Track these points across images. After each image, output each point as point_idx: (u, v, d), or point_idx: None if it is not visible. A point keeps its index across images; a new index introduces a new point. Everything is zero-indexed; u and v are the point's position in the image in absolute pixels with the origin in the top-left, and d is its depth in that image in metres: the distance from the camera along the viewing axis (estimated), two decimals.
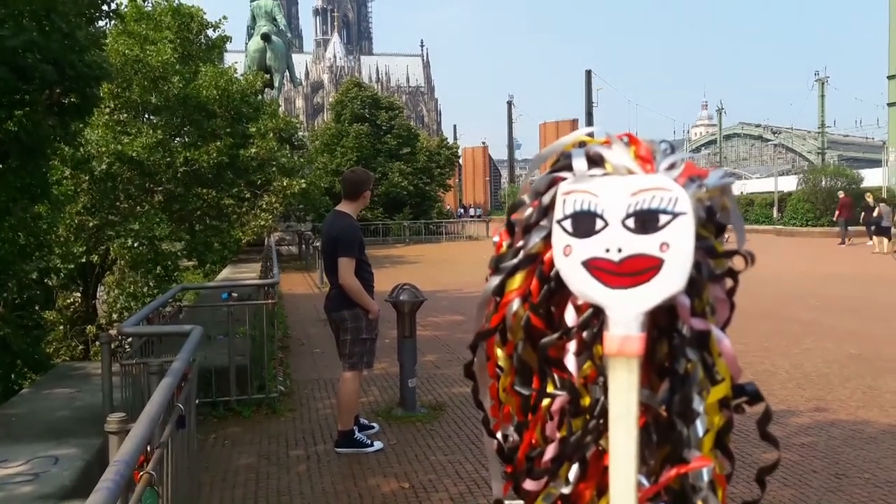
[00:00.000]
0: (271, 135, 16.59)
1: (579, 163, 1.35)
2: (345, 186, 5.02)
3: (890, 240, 20.44)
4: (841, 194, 25.25)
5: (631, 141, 1.38)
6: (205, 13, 17.59)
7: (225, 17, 18.39)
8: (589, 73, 69.24)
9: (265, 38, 25.80)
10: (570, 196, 1.32)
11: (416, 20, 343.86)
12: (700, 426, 1.23)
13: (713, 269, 1.25)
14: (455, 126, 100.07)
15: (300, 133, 27.41)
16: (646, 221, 1.22)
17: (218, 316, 6.67)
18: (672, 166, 1.28)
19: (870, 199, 23.32)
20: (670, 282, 1.19)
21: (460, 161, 65.55)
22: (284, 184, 16.68)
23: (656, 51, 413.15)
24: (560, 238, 1.32)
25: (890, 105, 31.44)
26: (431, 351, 8.12)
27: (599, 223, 1.27)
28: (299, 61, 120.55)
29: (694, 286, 1.20)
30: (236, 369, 5.84)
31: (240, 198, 16.25)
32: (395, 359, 5.88)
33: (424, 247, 28.55)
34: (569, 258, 1.30)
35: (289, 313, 11.21)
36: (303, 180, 17.60)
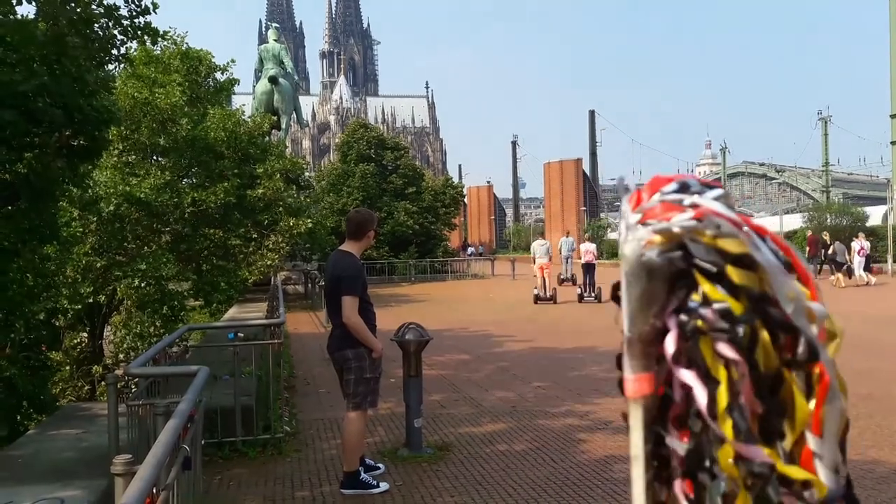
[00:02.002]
0: (278, 175, 16.77)
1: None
2: (349, 226, 5.07)
3: (846, 275, 21.94)
4: (809, 232, 26.35)
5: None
6: (213, 57, 17.94)
7: (233, 61, 18.74)
8: (592, 113, 70.14)
9: (272, 80, 26.23)
10: None
11: (421, 62, 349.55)
12: (721, 484, 1.11)
13: (710, 321, 1.09)
14: (460, 165, 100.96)
15: (307, 173, 27.66)
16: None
17: (224, 356, 6.67)
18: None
19: (826, 236, 24.90)
20: (622, 326, 1.13)
21: (465, 200, 65.90)
22: (291, 223, 16.79)
23: (659, 90, 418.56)
24: None
25: (893, 143, 31.64)
26: (437, 390, 8.08)
27: None
28: (306, 103, 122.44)
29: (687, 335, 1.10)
30: (242, 410, 5.81)
31: (247, 238, 16.35)
32: (401, 398, 5.85)
33: (430, 285, 28.54)
34: None
35: (294, 352, 11.19)
36: (309, 220, 17.72)
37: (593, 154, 68.50)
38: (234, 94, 21.53)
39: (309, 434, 6.50)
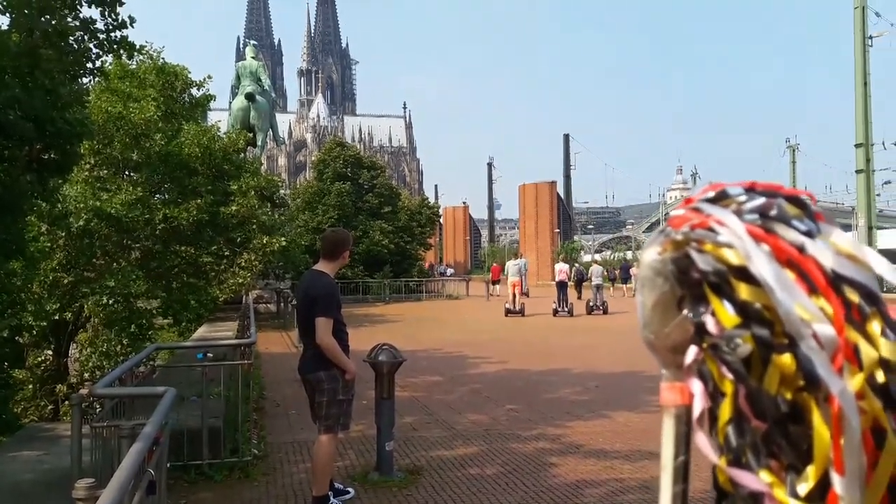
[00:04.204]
0: (252, 193, 16.65)
1: None
2: (325, 245, 5.03)
3: None
4: None
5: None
6: (189, 72, 17.85)
7: (209, 77, 18.67)
8: (567, 136, 70.89)
9: (249, 97, 26.16)
10: None
11: (399, 83, 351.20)
12: None
13: (709, 334, 1.04)
14: (436, 186, 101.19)
15: (282, 191, 27.52)
16: None
17: (192, 376, 6.55)
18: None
19: None
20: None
21: (441, 220, 66.01)
22: (264, 241, 16.64)
23: (632, 116, 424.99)
24: None
25: (858, 172, 32.31)
26: (410, 413, 8.01)
27: None
28: (283, 120, 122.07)
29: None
30: (209, 431, 5.70)
31: (219, 255, 16.17)
32: (373, 421, 5.78)
33: (404, 305, 28.44)
34: None
35: (265, 373, 11.04)
36: (283, 238, 17.59)
37: (567, 177, 69.11)
38: (210, 110, 21.42)
39: (277, 457, 6.39)
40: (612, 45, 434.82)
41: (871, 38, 31.50)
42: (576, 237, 67.47)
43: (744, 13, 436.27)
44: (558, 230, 57.02)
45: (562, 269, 23.40)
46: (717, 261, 1.01)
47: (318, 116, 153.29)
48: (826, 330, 0.93)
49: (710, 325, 0.99)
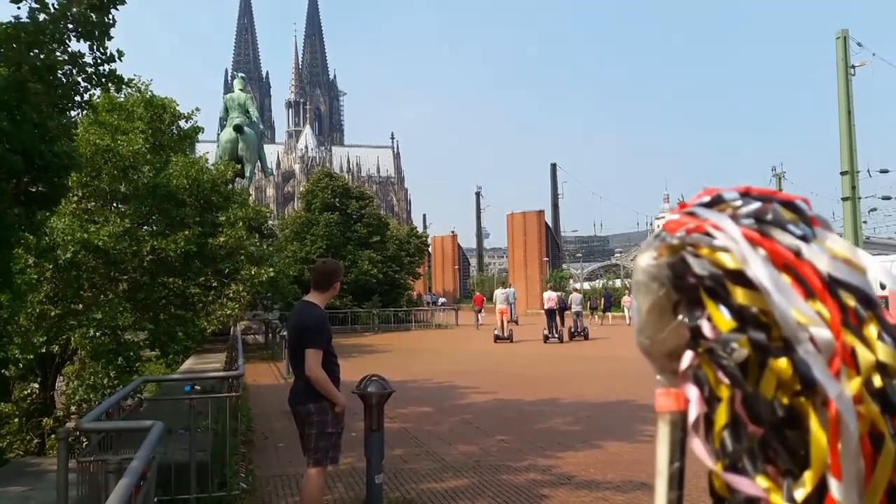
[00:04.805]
0: (241, 224, 16.63)
1: None
2: (315, 276, 5.03)
3: None
4: None
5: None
6: (177, 104, 17.92)
7: (198, 109, 18.73)
8: (554, 166, 71.44)
9: (237, 129, 26.28)
10: None
11: (386, 113, 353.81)
12: None
13: (705, 339, 1.03)
14: (424, 215, 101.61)
15: (270, 222, 27.52)
16: None
17: (180, 409, 6.49)
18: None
19: None
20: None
21: (430, 249, 66.05)
22: (252, 272, 16.59)
23: (619, 144, 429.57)
24: None
25: (844, 199, 32.67)
26: (400, 444, 7.95)
27: None
28: (271, 151, 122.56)
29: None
30: (197, 465, 5.64)
31: (206, 286, 16.09)
32: (362, 453, 5.73)
33: (393, 335, 28.33)
34: None
35: (253, 405, 10.94)
36: (271, 269, 17.54)
37: (555, 206, 69.51)
38: (199, 141, 21.43)
39: (266, 491, 6.32)
40: (598, 75, 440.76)
41: (853, 67, 32.10)
42: (564, 265, 67.63)
43: (729, 42, 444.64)
44: (547, 259, 57.20)
45: (550, 297, 23.96)
46: (713, 265, 1.00)
47: (307, 147, 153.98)
48: (823, 334, 0.93)
49: (706, 329, 0.99)
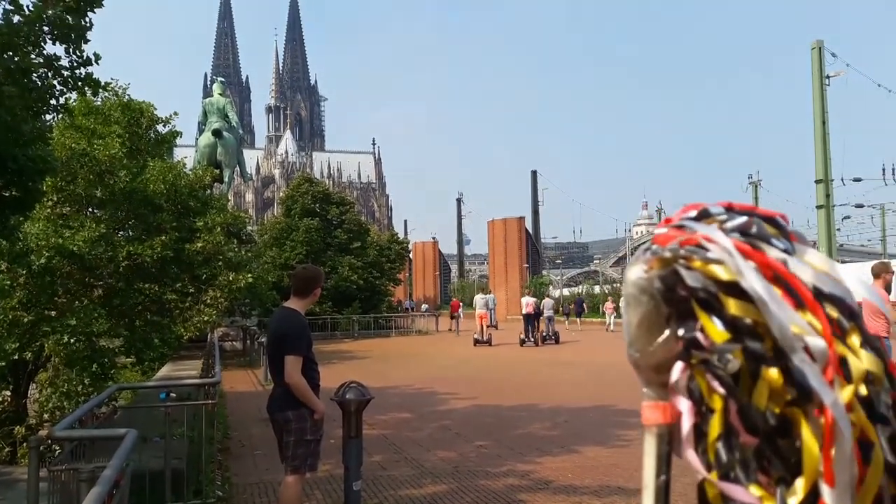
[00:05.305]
0: (219, 229, 16.48)
1: None
2: (296, 282, 5.00)
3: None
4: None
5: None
6: (155, 109, 17.74)
7: (176, 113, 18.55)
8: (535, 173, 71.79)
9: (216, 133, 26.11)
10: None
11: (368, 119, 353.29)
12: None
13: (698, 351, 1.04)
14: (406, 221, 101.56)
15: (249, 227, 27.33)
16: None
17: (155, 416, 6.42)
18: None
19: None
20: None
21: (411, 255, 65.93)
22: (231, 278, 16.44)
23: (599, 152, 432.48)
24: None
25: (818, 207, 33.12)
26: (378, 451, 7.91)
27: None
28: (250, 156, 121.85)
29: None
30: (172, 473, 5.57)
31: (183, 293, 15.92)
32: (340, 460, 5.70)
33: (374, 341, 28.25)
34: None
35: (230, 412, 10.84)
36: (249, 275, 17.40)
37: (536, 212, 69.81)
38: (177, 146, 21.29)
39: (242, 498, 6.26)
40: (580, 84, 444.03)
41: (828, 77, 32.59)
42: (544, 272, 67.85)
43: (704, 51, 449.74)
44: (527, 265, 57.36)
45: (528, 302, 25.03)
46: (706, 277, 1.01)
47: (287, 152, 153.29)
48: (818, 343, 0.95)
49: (702, 340, 1.00)
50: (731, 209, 1.10)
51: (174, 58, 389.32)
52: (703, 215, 1.10)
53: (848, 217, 50.71)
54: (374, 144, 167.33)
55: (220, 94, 28.12)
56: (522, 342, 24.13)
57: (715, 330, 0.98)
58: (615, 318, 33.78)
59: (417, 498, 6.20)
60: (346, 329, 31.46)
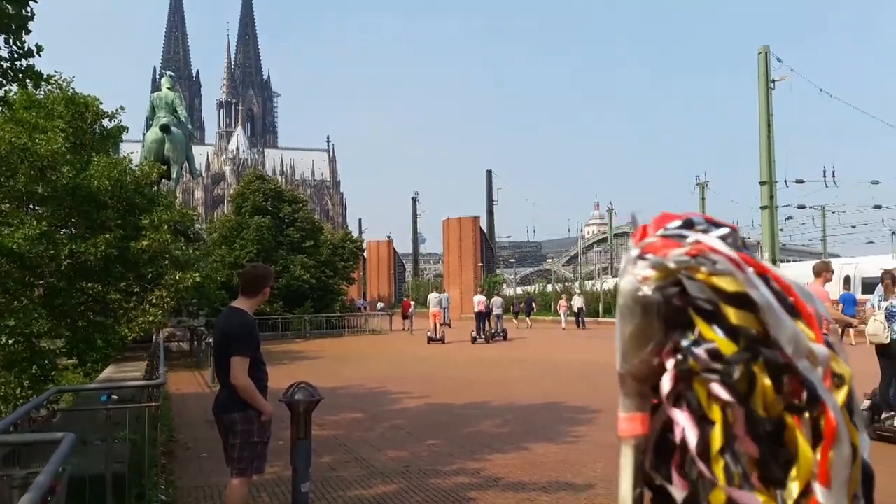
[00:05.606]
0: (166, 227, 16.11)
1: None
2: (244, 281, 4.91)
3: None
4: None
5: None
6: (101, 103, 17.28)
7: (122, 108, 18.12)
8: (489, 172, 72.14)
9: (164, 128, 25.53)
10: None
11: (322, 117, 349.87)
12: None
13: (701, 360, 1.04)
14: (360, 220, 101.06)
15: (197, 225, 26.81)
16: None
17: (96, 419, 6.24)
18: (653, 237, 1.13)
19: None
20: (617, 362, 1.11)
21: (365, 254, 65.59)
22: (177, 277, 16.09)
23: (552, 152, 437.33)
24: None
25: (762, 208, 34.04)
26: (328, 452, 7.85)
27: None
28: (200, 153, 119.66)
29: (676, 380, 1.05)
30: (113, 478, 5.41)
31: (128, 292, 15.52)
32: (289, 462, 5.63)
33: (326, 341, 28.02)
34: None
35: (176, 415, 10.62)
36: (197, 274, 17.05)
37: (490, 212, 70.16)
38: (123, 141, 20.72)
39: (187, 502, 6.14)
40: (535, 84, 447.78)
41: (773, 81, 33.50)
42: (498, 270, 68.29)
43: (655, 54, 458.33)
44: (481, 264, 57.67)
45: (480, 300, 26.09)
46: (709, 288, 1.02)
47: (238, 149, 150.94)
48: (822, 350, 0.99)
49: (700, 352, 1.00)
50: (711, 221, 1.14)
51: (122, 51, 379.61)
52: (689, 225, 1.12)
53: (790, 217, 52.24)
54: (328, 142, 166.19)
55: (168, 89, 27.50)
56: (474, 339, 25.05)
57: (722, 341, 0.99)
58: (567, 316, 34.57)
59: (367, 498, 6.17)
60: (297, 329, 31.12)
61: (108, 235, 14.41)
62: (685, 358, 1.03)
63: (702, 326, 1.02)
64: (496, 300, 27.40)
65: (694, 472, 1.02)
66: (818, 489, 0.94)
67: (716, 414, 1.00)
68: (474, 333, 25.44)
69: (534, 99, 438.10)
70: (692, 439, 1.01)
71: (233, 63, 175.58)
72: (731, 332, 1.01)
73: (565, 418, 9.80)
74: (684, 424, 1.02)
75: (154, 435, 6.46)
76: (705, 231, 1.11)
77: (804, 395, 0.97)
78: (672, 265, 1.05)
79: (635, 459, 1.09)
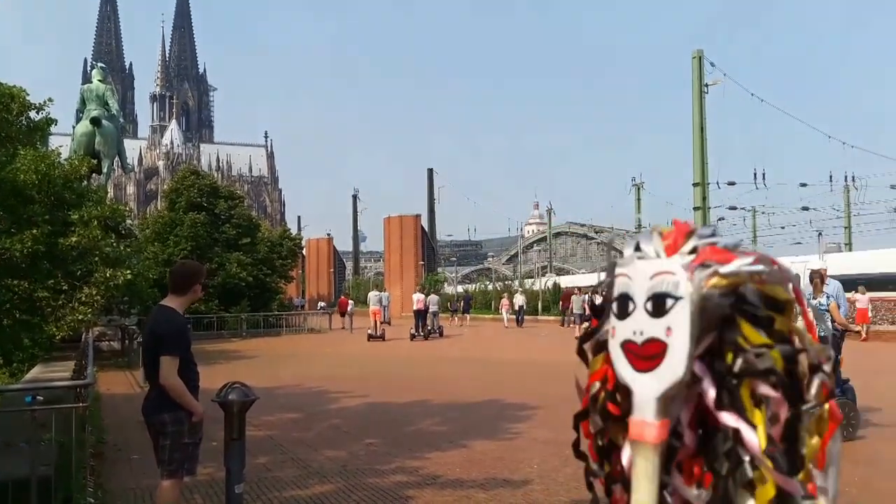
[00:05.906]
0: (96, 223, 15.59)
1: (627, 248, 1.37)
2: (173, 279, 4.81)
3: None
4: (564, 288, 33.19)
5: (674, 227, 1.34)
6: (28, 94, 16.58)
7: (51, 99, 17.40)
8: (431, 171, 72.28)
9: (95, 121, 24.66)
10: (617, 279, 1.33)
11: (261, 112, 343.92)
12: None
13: (753, 363, 1.12)
14: (299, 217, 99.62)
15: (129, 221, 26.02)
16: (657, 305, 1.20)
17: (21, 421, 6.01)
18: (693, 250, 1.23)
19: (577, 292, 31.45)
20: (672, 368, 1.14)
21: (304, 252, 64.79)
22: (108, 275, 15.58)
23: (494, 151, 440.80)
24: (610, 319, 1.32)
25: (696, 209, 35.14)
26: (263, 452, 7.75)
27: (631, 305, 1.26)
28: (133, 147, 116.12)
29: (723, 379, 1.12)
30: (39, 481, 5.24)
31: (56, 290, 14.97)
32: (222, 463, 5.55)
33: (263, 340, 27.60)
34: (613, 339, 1.29)
35: (106, 415, 10.31)
36: (129, 271, 16.55)
37: (431, 210, 70.28)
38: (52, 134, 19.92)
39: None
40: (473, 86, 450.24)
41: (707, 86, 34.59)
42: (440, 269, 68.47)
43: (592, 57, 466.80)
44: (423, 262, 57.73)
45: (419, 298, 27.25)
46: (765, 295, 1.13)
47: (172, 143, 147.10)
48: (829, 350, 1.14)
49: (750, 356, 1.11)
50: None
51: (52, 42, 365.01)
52: (712, 234, 1.30)
53: (722, 218, 53.96)
54: (266, 137, 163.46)
55: (99, 81, 26.55)
56: (412, 336, 26.14)
57: (770, 344, 1.11)
58: (509, 314, 35.16)
59: (303, 498, 6.13)
60: (234, 328, 30.52)
61: (34, 231, 13.87)
62: (745, 362, 1.11)
63: (749, 331, 1.11)
64: (432, 298, 28.32)
65: (724, 467, 1.10)
66: (816, 473, 1.10)
67: (758, 417, 1.09)
68: (413, 331, 26.40)
69: (473, 101, 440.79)
70: (753, 439, 1.08)
71: (167, 55, 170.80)
72: (770, 335, 1.12)
73: (504, 415, 9.93)
74: (738, 426, 1.10)
75: (82, 436, 6.27)
76: (708, 237, 1.29)
77: (812, 392, 1.11)
78: (744, 273, 1.15)
79: (656, 465, 1.16)
